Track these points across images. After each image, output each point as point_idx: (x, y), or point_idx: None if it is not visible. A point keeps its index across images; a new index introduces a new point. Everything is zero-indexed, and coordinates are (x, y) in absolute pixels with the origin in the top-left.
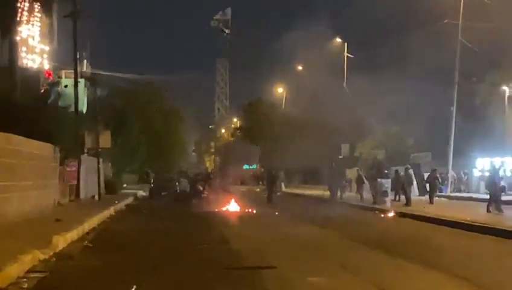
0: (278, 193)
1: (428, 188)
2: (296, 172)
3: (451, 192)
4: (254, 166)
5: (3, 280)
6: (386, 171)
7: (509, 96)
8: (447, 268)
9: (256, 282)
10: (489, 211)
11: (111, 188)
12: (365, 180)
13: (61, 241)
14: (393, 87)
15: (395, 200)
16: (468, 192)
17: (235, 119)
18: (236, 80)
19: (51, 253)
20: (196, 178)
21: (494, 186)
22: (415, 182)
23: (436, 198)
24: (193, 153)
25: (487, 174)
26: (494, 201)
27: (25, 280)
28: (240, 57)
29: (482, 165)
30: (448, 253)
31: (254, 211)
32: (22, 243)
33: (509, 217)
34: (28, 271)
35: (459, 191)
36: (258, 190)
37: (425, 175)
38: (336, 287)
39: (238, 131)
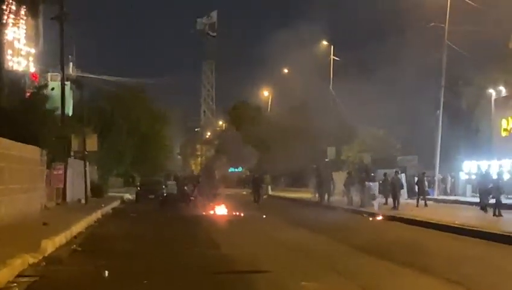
0: (265, 196)
1: (417, 191)
2: (282, 175)
3: (438, 195)
4: (240, 169)
5: None
6: (372, 174)
7: (495, 99)
8: (439, 272)
9: (250, 287)
10: (501, 215)
11: (97, 192)
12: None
13: (50, 245)
14: (379, 91)
15: (385, 203)
16: (454, 195)
17: (220, 122)
18: (223, 82)
19: (40, 257)
20: (184, 182)
21: (498, 190)
22: (405, 186)
23: (422, 201)
24: (178, 156)
25: (474, 177)
26: (498, 205)
27: (15, 284)
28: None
29: (468, 168)
30: (439, 257)
31: (242, 215)
32: (11, 247)
33: (501, 221)
34: (18, 275)
35: (446, 194)
36: (244, 193)
37: (415, 178)
38: None
39: (224, 134)
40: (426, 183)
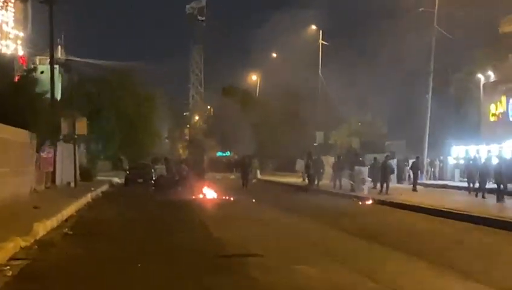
0: (254, 181)
1: (411, 176)
2: (270, 159)
3: (426, 180)
4: (228, 153)
5: None
6: (360, 159)
7: (484, 84)
8: (431, 256)
9: (243, 270)
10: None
11: (86, 175)
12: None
13: (41, 229)
14: (368, 76)
15: (374, 188)
16: (442, 180)
17: (208, 107)
18: (211, 67)
19: (32, 240)
20: (176, 165)
21: (500, 175)
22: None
23: (410, 186)
24: (166, 140)
25: (462, 162)
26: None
27: (8, 267)
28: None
29: (457, 153)
30: (430, 241)
31: (232, 199)
32: (2, 231)
33: (490, 205)
34: (11, 259)
35: (434, 178)
36: (233, 177)
37: (410, 162)
38: (323, 275)
39: (211, 118)
40: (423, 167)
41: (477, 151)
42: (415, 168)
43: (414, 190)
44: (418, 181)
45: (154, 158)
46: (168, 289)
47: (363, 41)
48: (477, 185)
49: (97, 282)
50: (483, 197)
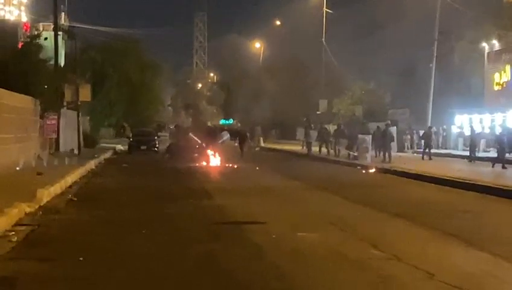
0: (257, 148)
1: (423, 145)
2: (273, 127)
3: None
4: (231, 121)
5: None
6: (365, 126)
7: (488, 53)
8: (434, 224)
9: (247, 237)
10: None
11: (90, 142)
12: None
13: (45, 195)
14: (372, 43)
15: (376, 156)
16: (445, 148)
17: (212, 74)
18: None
19: (37, 206)
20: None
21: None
22: (395, 139)
23: (415, 155)
24: (169, 108)
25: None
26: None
27: (13, 233)
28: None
29: (460, 121)
30: (433, 209)
31: (235, 166)
32: (7, 197)
33: (492, 174)
34: (15, 224)
35: (438, 147)
36: (236, 144)
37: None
38: (325, 242)
39: (215, 86)
40: (433, 137)
41: (481, 120)
42: (428, 137)
43: (429, 158)
44: (421, 150)
45: (158, 125)
46: (172, 254)
47: (367, 9)
48: (479, 154)
49: (101, 248)
50: (503, 167)
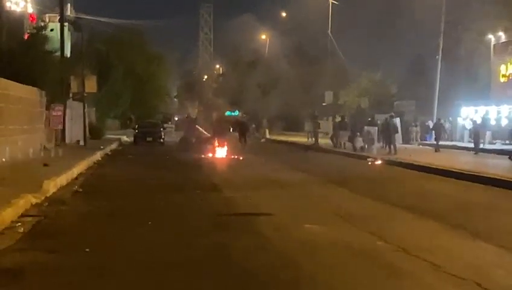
0: (262, 140)
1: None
2: (279, 119)
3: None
4: (236, 112)
5: None
6: (369, 119)
7: (494, 45)
8: (441, 216)
9: (255, 229)
10: None
11: (95, 133)
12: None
13: (51, 186)
14: (378, 35)
15: (383, 148)
16: (451, 140)
17: (217, 66)
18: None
19: (43, 198)
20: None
21: None
22: (400, 130)
23: (421, 146)
24: (175, 99)
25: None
26: None
27: (19, 224)
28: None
29: (466, 113)
30: (441, 201)
31: (241, 158)
32: (13, 188)
33: (497, 165)
34: (22, 215)
35: (444, 139)
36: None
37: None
38: (333, 234)
39: (221, 77)
40: (445, 127)
41: (487, 112)
42: (438, 129)
43: (437, 150)
44: (427, 142)
45: (165, 117)
46: (179, 246)
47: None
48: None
49: (108, 239)
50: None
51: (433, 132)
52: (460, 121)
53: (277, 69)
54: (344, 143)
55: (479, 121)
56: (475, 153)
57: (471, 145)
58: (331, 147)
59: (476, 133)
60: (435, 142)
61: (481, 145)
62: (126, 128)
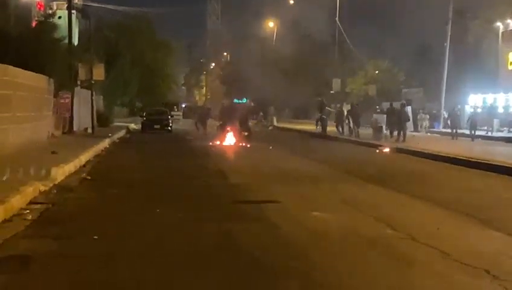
0: (270, 128)
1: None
2: (286, 107)
3: (443, 128)
4: (244, 100)
5: (6, 211)
6: (377, 107)
7: (502, 33)
8: (449, 204)
9: (263, 216)
10: None
11: (103, 121)
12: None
13: (59, 174)
14: (386, 23)
15: (392, 136)
16: (460, 128)
17: (225, 53)
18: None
19: (51, 185)
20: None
21: None
22: (411, 118)
23: (429, 134)
24: (183, 87)
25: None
26: None
27: (28, 211)
28: None
29: (474, 101)
30: (447, 188)
31: (248, 146)
32: (22, 175)
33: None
34: (30, 203)
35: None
36: (250, 124)
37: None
38: (341, 221)
39: (229, 65)
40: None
41: (495, 100)
42: (454, 118)
43: (454, 138)
44: (435, 129)
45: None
46: (187, 233)
47: None
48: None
49: (116, 226)
50: None
51: (449, 120)
52: (468, 109)
53: (285, 57)
54: (358, 131)
55: (479, 110)
56: (472, 140)
57: (480, 132)
58: (339, 135)
59: (473, 121)
60: (443, 130)
61: (489, 133)
62: (134, 116)
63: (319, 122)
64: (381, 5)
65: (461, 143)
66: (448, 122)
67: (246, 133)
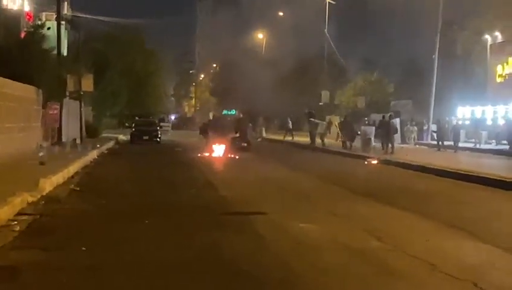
0: (259, 139)
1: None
2: (275, 117)
3: (431, 140)
4: (233, 111)
5: None
6: (365, 118)
7: (491, 45)
8: (438, 216)
9: (250, 228)
10: None
11: (92, 132)
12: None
13: (48, 185)
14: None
15: (383, 148)
16: (447, 140)
17: (214, 65)
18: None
19: (39, 196)
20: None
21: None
22: (399, 130)
23: (417, 146)
24: (172, 98)
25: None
26: None
27: (15, 222)
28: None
29: (462, 113)
30: (437, 201)
31: (237, 157)
32: (10, 186)
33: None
34: (18, 214)
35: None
36: (238, 135)
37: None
38: (328, 233)
39: (218, 76)
40: (449, 127)
41: (483, 112)
42: (440, 130)
43: (439, 150)
44: (423, 141)
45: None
46: (175, 244)
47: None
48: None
49: (104, 237)
50: None
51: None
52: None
53: (274, 68)
54: (350, 143)
55: (467, 122)
56: (438, 150)
57: (467, 144)
58: (327, 146)
59: (443, 132)
60: (431, 142)
61: (477, 145)
62: (123, 127)
63: (309, 134)
64: (371, 17)
65: (448, 155)
66: (434, 134)
67: (245, 145)
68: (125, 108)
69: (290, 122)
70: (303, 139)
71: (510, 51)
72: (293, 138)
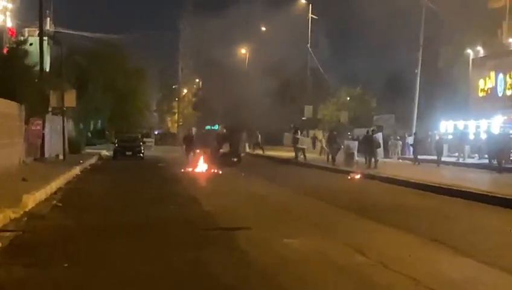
0: (242, 154)
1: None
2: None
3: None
4: (216, 127)
5: None
6: (349, 133)
7: (473, 60)
8: (420, 231)
9: (233, 243)
10: None
11: (75, 148)
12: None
13: (30, 201)
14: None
15: (366, 163)
16: (431, 154)
17: (197, 80)
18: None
19: (22, 212)
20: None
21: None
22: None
23: (400, 161)
24: (154, 114)
25: (450, 137)
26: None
27: None
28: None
29: (445, 127)
30: (420, 215)
31: (220, 172)
32: None
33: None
34: (0, 230)
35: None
36: (222, 150)
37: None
38: (311, 247)
39: (200, 91)
40: (432, 141)
41: (466, 126)
42: (417, 144)
43: (417, 163)
44: (406, 156)
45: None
46: (157, 260)
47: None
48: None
49: (87, 253)
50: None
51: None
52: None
53: (257, 83)
54: (334, 158)
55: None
56: (414, 164)
57: (450, 159)
58: (311, 161)
59: (439, 147)
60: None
61: (461, 160)
62: (106, 143)
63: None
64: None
65: (430, 169)
66: (411, 148)
67: (235, 159)
68: (109, 123)
69: (259, 135)
70: (277, 153)
71: (492, 65)
72: (263, 152)
